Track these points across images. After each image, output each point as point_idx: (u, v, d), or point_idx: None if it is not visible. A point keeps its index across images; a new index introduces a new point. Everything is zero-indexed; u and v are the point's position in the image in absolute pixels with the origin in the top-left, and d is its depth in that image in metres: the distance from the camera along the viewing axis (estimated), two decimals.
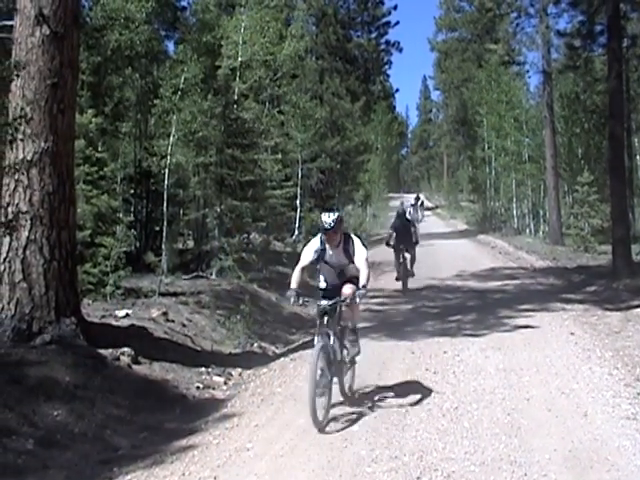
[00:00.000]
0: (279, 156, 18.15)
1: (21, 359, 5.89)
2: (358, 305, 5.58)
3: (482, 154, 33.05)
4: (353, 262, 5.42)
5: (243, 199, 14.84)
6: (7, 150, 6.71)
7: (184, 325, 9.22)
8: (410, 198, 35.51)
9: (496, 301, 11.45)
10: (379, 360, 7.30)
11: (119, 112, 16.55)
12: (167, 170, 13.55)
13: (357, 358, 5.82)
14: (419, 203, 30.46)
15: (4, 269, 6.58)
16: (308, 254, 5.49)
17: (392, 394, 5.88)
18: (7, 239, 6.59)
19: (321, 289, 5.67)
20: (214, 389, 6.78)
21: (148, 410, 5.83)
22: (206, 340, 8.96)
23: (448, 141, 53.78)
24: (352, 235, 5.57)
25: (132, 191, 17.38)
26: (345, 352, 5.61)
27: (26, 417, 5.05)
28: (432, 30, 47.57)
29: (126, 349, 6.76)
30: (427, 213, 36.05)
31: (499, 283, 13.69)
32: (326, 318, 5.28)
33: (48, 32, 6.72)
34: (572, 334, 8.18)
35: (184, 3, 34.52)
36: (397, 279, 12.79)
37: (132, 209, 17.38)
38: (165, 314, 9.13)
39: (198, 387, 6.73)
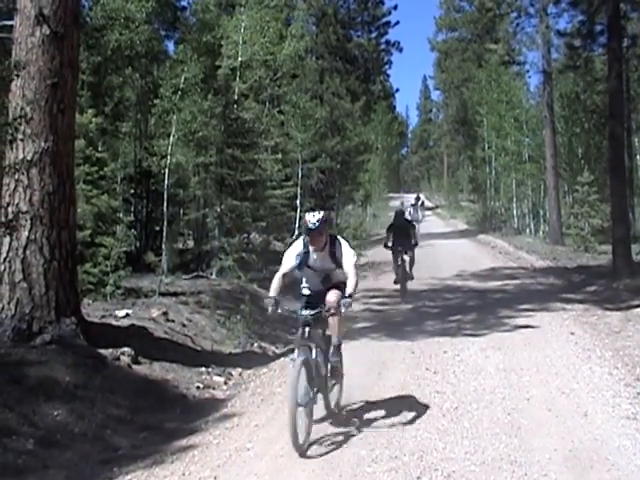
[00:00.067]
0: (279, 156, 18.16)
1: (21, 359, 5.89)
2: (343, 317, 5.02)
3: (482, 154, 33.05)
4: (340, 267, 4.98)
5: (243, 199, 14.85)
6: (7, 150, 6.71)
7: (184, 325, 9.22)
8: (410, 198, 35.50)
9: (496, 301, 11.45)
10: (379, 360, 7.30)
11: (119, 112, 16.57)
12: (167, 170, 13.56)
13: (355, 367, 5.57)
14: (419, 203, 30.42)
15: (4, 269, 6.58)
16: (290, 259, 5.02)
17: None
18: (7, 239, 6.59)
19: (304, 295, 5.21)
20: (214, 389, 6.78)
21: (148, 410, 5.83)
22: (206, 340, 8.96)
23: (448, 141, 53.79)
24: (339, 237, 5.14)
25: (132, 191, 17.40)
26: (330, 366, 5.14)
27: (26, 417, 5.05)
28: (432, 30, 47.70)
29: (126, 349, 6.76)
30: (427, 213, 36.01)
31: (499, 283, 13.69)
32: (308, 329, 4.80)
33: (48, 32, 6.72)
34: (572, 334, 8.18)
35: (184, 3, 34.56)
36: (395, 282, 12.16)
37: (132, 209, 17.40)
38: (165, 314, 9.13)
39: (198, 387, 6.73)
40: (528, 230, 28.68)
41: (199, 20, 19.66)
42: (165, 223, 13.82)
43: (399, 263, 11.98)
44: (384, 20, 44.17)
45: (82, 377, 5.87)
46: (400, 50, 45.97)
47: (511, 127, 28.46)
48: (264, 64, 19.02)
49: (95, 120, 12.67)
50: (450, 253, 20.45)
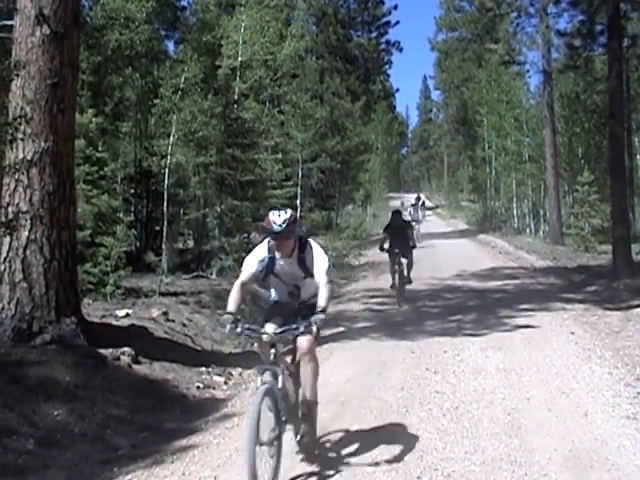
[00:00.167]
0: (279, 156, 18.16)
1: (21, 359, 5.89)
2: (314, 346, 4.16)
3: (482, 154, 33.07)
4: (311, 276, 4.19)
5: (243, 199, 14.85)
6: (7, 150, 6.71)
7: (184, 325, 9.22)
8: (410, 198, 35.49)
9: (496, 301, 11.45)
10: (379, 360, 7.30)
11: (119, 112, 16.58)
12: (167, 170, 13.57)
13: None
14: (420, 203, 30.38)
15: (4, 269, 6.58)
16: (251, 265, 4.23)
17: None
18: (7, 239, 6.59)
19: (271, 300, 4.53)
20: (214, 389, 6.78)
21: (148, 410, 5.83)
22: (206, 340, 8.96)
23: (448, 141, 53.82)
24: (310, 241, 4.33)
25: (132, 191, 17.42)
26: (301, 393, 4.32)
27: (26, 417, 5.05)
28: (432, 30, 47.80)
29: (126, 349, 6.76)
30: (428, 213, 35.98)
31: (499, 283, 13.68)
32: (273, 351, 3.99)
33: (48, 32, 6.72)
34: (572, 334, 8.18)
35: (184, 3, 34.53)
36: (392, 287, 11.41)
37: (132, 209, 17.41)
38: (165, 314, 9.13)
39: (198, 387, 6.73)
40: (528, 230, 28.69)
41: (199, 20, 19.68)
42: (165, 223, 13.83)
43: (396, 267, 11.31)
44: (384, 20, 44.25)
45: (82, 377, 5.87)
46: (400, 50, 46.08)
47: (511, 127, 28.47)
48: (264, 64, 19.04)
49: (95, 120, 12.69)
50: (450, 253, 20.45)
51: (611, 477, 3.96)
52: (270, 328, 4.07)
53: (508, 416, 5.12)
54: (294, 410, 4.24)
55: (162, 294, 10.85)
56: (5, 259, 6.60)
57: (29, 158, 6.63)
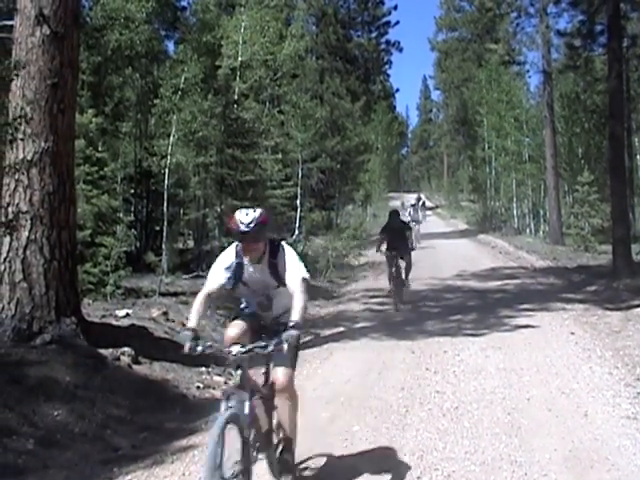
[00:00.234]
0: (279, 156, 18.15)
1: (21, 359, 5.89)
2: (292, 379, 3.71)
3: (482, 154, 33.08)
4: (284, 285, 3.70)
5: (243, 199, 14.81)
6: (7, 150, 6.71)
7: (184, 325, 9.20)
8: (410, 198, 35.49)
9: (496, 301, 11.45)
10: (379, 360, 7.30)
11: (119, 112, 16.57)
12: (167, 170, 13.55)
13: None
14: (420, 203, 30.33)
15: (4, 269, 6.58)
16: (217, 273, 3.79)
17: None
18: (7, 239, 6.59)
19: (243, 313, 4.04)
20: (214, 389, 6.77)
21: (148, 410, 5.82)
22: (206, 340, 8.94)
23: (448, 141, 53.86)
24: (284, 245, 3.85)
25: (132, 191, 17.39)
26: (276, 422, 3.86)
27: (26, 417, 5.05)
28: (432, 30, 47.84)
29: (126, 349, 6.76)
30: (428, 213, 35.98)
31: (499, 283, 13.69)
32: (239, 372, 3.43)
33: (48, 32, 6.72)
34: (572, 334, 8.18)
35: (184, 3, 34.54)
36: (389, 292, 10.99)
37: (132, 209, 17.39)
38: (165, 314, 9.13)
39: (198, 387, 6.72)
40: (528, 230, 28.70)
41: (199, 20, 19.66)
42: (165, 223, 13.81)
43: (393, 269, 10.82)
44: (384, 20, 44.32)
45: (82, 377, 5.87)
46: (400, 50, 46.16)
47: (511, 127, 28.49)
48: (264, 64, 19.03)
49: (95, 120, 12.67)
50: (450, 253, 20.46)
51: (611, 477, 3.96)
52: (235, 346, 3.46)
53: (508, 416, 5.12)
54: (267, 439, 3.76)
55: (162, 294, 10.84)
56: (5, 259, 6.59)
57: (29, 158, 6.62)
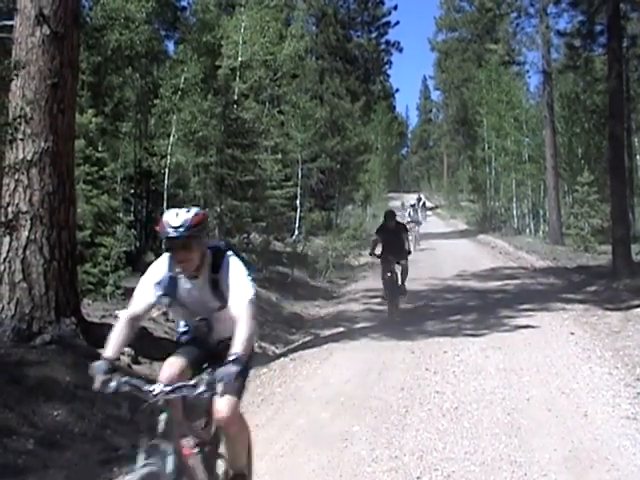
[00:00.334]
0: (279, 156, 18.17)
1: (21, 359, 5.89)
2: (237, 409, 3.00)
3: (482, 154, 33.07)
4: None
5: (243, 199, 14.84)
6: (7, 150, 6.71)
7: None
8: (410, 198, 35.47)
9: (496, 301, 11.45)
10: (379, 360, 7.30)
11: (119, 112, 16.56)
12: (167, 170, 13.57)
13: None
14: (421, 204, 30.19)
15: (4, 269, 6.58)
16: (145, 290, 3.07)
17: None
18: (7, 239, 6.59)
19: (183, 338, 3.39)
20: None
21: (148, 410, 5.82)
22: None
23: (448, 141, 53.84)
24: (229, 254, 3.12)
25: (132, 191, 17.38)
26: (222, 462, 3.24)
27: (26, 417, 5.05)
28: (432, 30, 47.71)
29: (126, 349, 6.74)
30: (428, 213, 35.94)
31: (499, 283, 13.69)
32: (163, 418, 2.77)
33: (48, 32, 6.72)
34: (572, 334, 8.18)
35: (184, 3, 34.54)
36: (384, 298, 10.25)
37: (132, 209, 17.38)
38: (165, 314, 9.11)
39: None
40: (528, 230, 28.68)
41: (199, 20, 19.67)
42: None
43: (388, 275, 9.98)
44: (384, 20, 44.31)
45: (82, 377, 5.86)
46: (400, 50, 46.15)
47: (511, 127, 28.47)
48: (264, 64, 19.04)
49: (95, 120, 12.67)
50: (450, 253, 20.46)
51: (611, 477, 3.96)
52: (158, 385, 2.80)
53: (508, 416, 5.12)
54: None
55: None
56: (5, 259, 6.59)
57: (29, 158, 6.63)
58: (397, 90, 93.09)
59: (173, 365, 3.18)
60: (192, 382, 2.74)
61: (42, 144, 6.67)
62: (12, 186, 6.66)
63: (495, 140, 30.13)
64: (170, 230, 2.89)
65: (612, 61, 13.88)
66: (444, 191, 56.66)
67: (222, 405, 2.92)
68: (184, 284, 3.09)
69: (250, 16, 18.33)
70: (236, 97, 16.94)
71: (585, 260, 17.42)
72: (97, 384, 2.83)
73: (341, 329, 9.69)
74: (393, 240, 10.01)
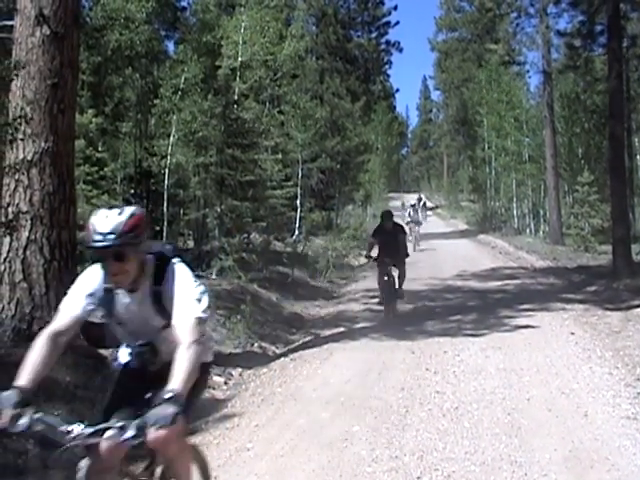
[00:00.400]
0: (279, 156, 18.16)
1: (21, 359, 5.87)
2: (173, 438, 2.37)
3: (482, 154, 33.09)
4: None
5: (243, 199, 14.84)
6: (7, 150, 6.71)
7: None
8: (411, 198, 35.47)
9: (496, 301, 11.45)
10: (379, 360, 7.30)
11: (119, 112, 16.58)
12: (167, 170, 13.57)
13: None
14: (421, 204, 30.09)
15: (4, 269, 6.58)
16: (74, 303, 2.67)
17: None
18: (7, 239, 6.59)
19: (117, 364, 2.87)
20: (214, 389, 6.78)
21: None
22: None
23: (448, 141, 53.87)
24: (175, 262, 2.62)
25: (132, 191, 17.38)
26: None
27: None
28: (432, 30, 47.80)
29: None
30: (429, 213, 35.93)
31: (499, 283, 13.69)
32: (85, 465, 2.43)
33: (48, 32, 6.71)
34: (572, 334, 8.18)
35: (184, 3, 34.54)
36: (380, 303, 9.88)
37: None
38: None
39: None
40: (528, 230, 28.69)
41: (199, 20, 19.68)
42: (165, 223, 13.82)
43: (385, 279, 9.58)
44: (384, 20, 44.36)
45: (82, 377, 5.87)
46: (400, 50, 46.19)
47: (511, 127, 28.49)
48: (264, 64, 19.04)
49: (95, 120, 12.70)
50: (450, 253, 20.47)
51: (611, 477, 3.96)
52: (77, 425, 2.30)
53: (508, 416, 5.12)
54: None
55: None
56: (5, 259, 6.59)
57: (29, 158, 6.62)
58: (397, 90, 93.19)
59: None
60: (119, 424, 2.27)
61: (42, 144, 6.66)
62: (12, 186, 6.66)
63: (495, 140, 30.14)
64: (98, 237, 2.37)
65: (612, 61, 13.89)
66: (444, 191, 56.69)
67: (158, 437, 2.27)
68: (122, 298, 2.61)
69: (250, 16, 18.32)
70: (236, 97, 16.93)
71: (585, 260, 17.43)
72: (3, 420, 2.24)
73: (341, 329, 9.69)
74: (390, 242, 9.56)
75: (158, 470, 2.78)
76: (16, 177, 6.63)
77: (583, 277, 13.95)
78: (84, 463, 2.39)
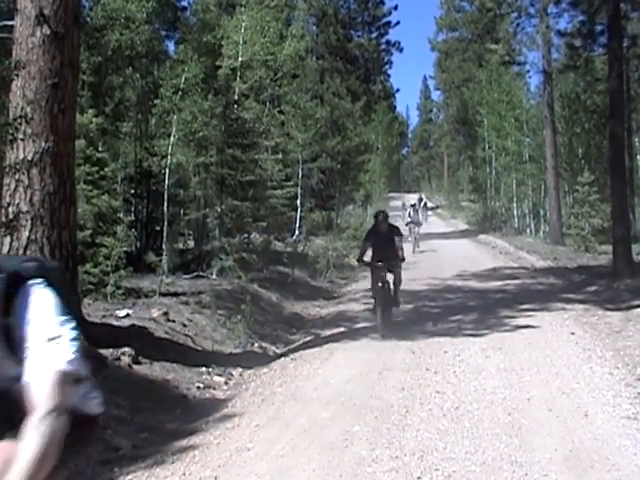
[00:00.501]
0: (280, 156, 18.15)
1: None
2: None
3: (482, 154, 33.09)
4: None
5: (244, 199, 14.83)
6: (8, 150, 6.71)
7: (185, 325, 9.22)
8: (411, 198, 35.47)
9: (497, 301, 11.45)
10: (379, 360, 7.30)
11: (119, 112, 16.56)
12: (167, 170, 13.55)
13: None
14: (422, 204, 30.01)
15: None
16: None
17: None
18: (7, 239, 6.60)
19: None
20: (215, 389, 6.78)
21: (149, 410, 5.83)
22: (207, 340, 8.96)
23: (448, 141, 53.86)
24: (32, 284, 1.74)
25: (133, 191, 17.38)
26: None
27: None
28: (432, 30, 47.83)
29: (127, 349, 6.76)
30: (429, 213, 35.91)
31: (500, 283, 13.69)
32: None
33: (49, 32, 6.72)
34: (573, 334, 8.18)
35: (184, 3, 34.63)
36: (373, 311, 8.96)
37: (133, 209, 17.38)
38: (166, 314, 9.13)
39: (199, 387, 6.73)
40: (528, 230, 28.69)
41: (199, 20, 19.66)
42: (165, 223, 13.80)
43: (379, 285, 8.79)
44: (384, 20, 44.40)
45: None
46: (400, 50, 46.29)
47: (511, 127, 28.49)
48: (264, 64, 19.02)
49: (95, 120, 12.67)
50: (451, 253, 20.47)
51: (611, 477, 3.96)
52: None
53: (508, 416, 5.12)
54: None
55: (162, 294, 10.84)
56: None
57: (29, 158, 6.63)
58: (397, 90, 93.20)
59: None
60: None
61: (43, 144, 6.67)
62: (13, 186, 6.67)
63: (495, 140, 30.15)
64: None
65: (612, 61, 13.89)
66: (444, 191, 56.72)
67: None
68: None
69: (250, 16, 18.31)
70: (236, 97, 16.92)
71: (586, 260, 17.43)
72: None
73: (342, 329, 9.70)
74: (385, 245, 8.85)
75: None
76: (16, 177, 6.64)
77: (583, 277, 13.95)
78: None
